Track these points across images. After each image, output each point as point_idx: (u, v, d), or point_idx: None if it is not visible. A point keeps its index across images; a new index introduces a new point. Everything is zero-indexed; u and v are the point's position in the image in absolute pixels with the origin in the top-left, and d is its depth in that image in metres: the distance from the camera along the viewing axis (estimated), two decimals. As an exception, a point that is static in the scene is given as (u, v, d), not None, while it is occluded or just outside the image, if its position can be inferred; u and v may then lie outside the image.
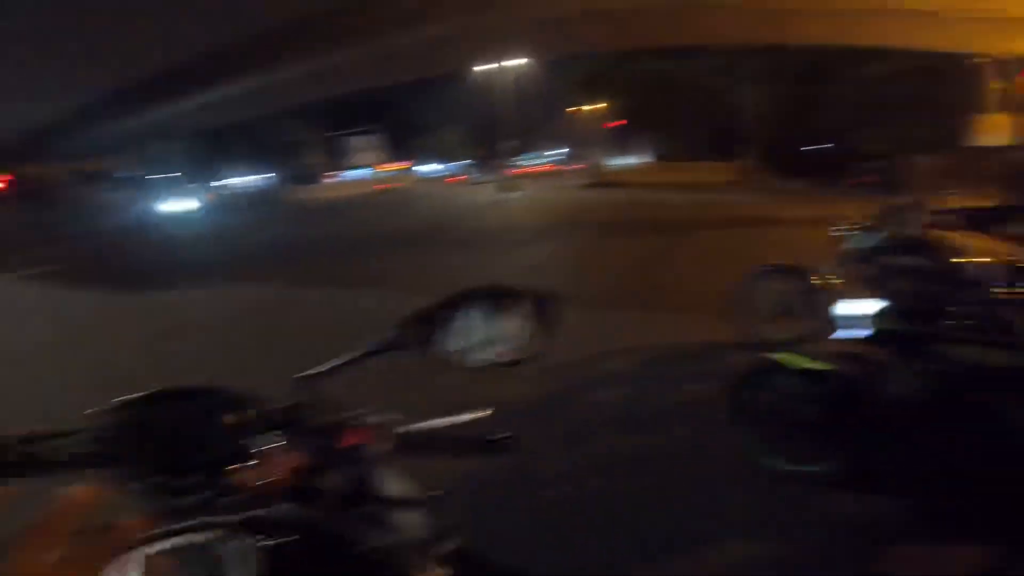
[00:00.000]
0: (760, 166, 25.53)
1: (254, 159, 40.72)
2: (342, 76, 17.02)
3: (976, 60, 14.73)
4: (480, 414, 0.81)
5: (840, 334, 2.11)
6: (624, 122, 36.59)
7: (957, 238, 3.05)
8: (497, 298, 0.84)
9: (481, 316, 0.83)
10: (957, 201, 10.38)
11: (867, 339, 1.98)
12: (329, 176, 42.15)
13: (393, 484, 0.71)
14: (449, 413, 0.80)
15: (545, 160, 66.09)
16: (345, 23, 13.52)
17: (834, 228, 3.69)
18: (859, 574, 1.86)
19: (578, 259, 8.41)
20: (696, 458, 2.65)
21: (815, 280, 3.73)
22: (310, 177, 36.89)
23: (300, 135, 40.90)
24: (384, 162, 48.77)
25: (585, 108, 45.56)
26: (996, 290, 1.64)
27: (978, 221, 3.21)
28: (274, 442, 0.64)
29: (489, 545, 0.73)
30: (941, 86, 19.08)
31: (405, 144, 50.74)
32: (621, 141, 37.11)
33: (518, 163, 32.44)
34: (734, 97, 28.37)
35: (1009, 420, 1.56)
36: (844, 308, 2.13)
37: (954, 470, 1.69)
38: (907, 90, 21.27)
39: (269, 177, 41.27)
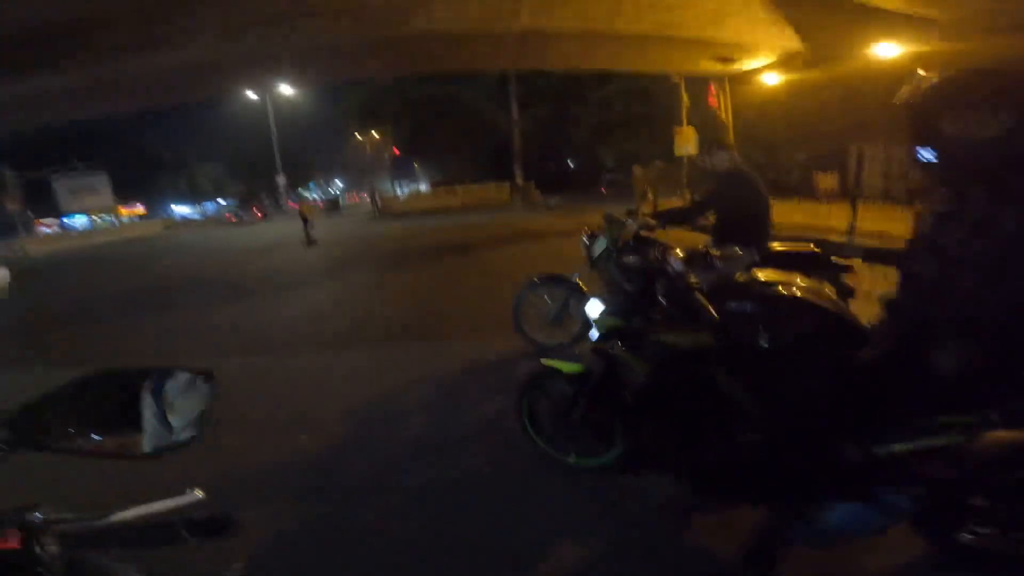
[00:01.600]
0: (529, 183, 28.18)
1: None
2: (52, 104, 13.71)
3: (675, 79, 17.56)
4: (190, 498, 0.78)
5: (591, 335, 2.35)
6: (397, 152, 36.93)
7: (661, 235, 3.76)
8: (164, 378, 0.80)
9: (153, 401, 0.78)
10: (665, 203, 12.86)
11: (599, 337, 2.26)
12: (46, 225, 33.22)
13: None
14: (148, 501, 0.75)
15: (320, 194, 63.23)
16: (61, 45, 11.01)
17: (583, 236, 4.20)
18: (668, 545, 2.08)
19: (362, 296, 8.10)
20: (502, 471, 2.71)
21: (577, 285, 4.19)
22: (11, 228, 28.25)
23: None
24: (113, 206, 40.03)
25: (362, 137, 44.82)
26: (691, 279, 1.99)
27: (674, 219, 4.00)
28: None
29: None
30: (654, 103, 23.26)
31: (138, 184, 42.50)
32: (400, 169, 37.41)
33: (289, 198, 30.18)
34: (504, 120, 30.80)
35: (719, 387, 1.88)
36: (588, 311, 2.39)
37: (694, 438, 1.99)
38: (631, 108, 25.74)
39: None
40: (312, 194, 60.29)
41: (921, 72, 1.62)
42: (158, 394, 0.79)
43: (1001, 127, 1.45)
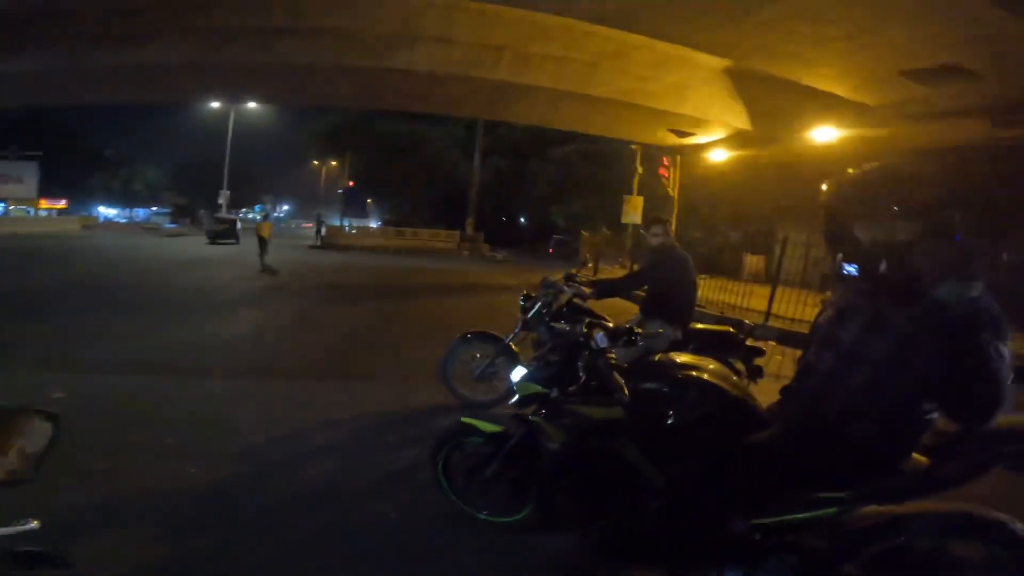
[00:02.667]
0: (479, 235, 28.48)
1: None
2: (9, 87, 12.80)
3: (633, 147, 18.19)
4: (25, 527, 0.75)
5: (513, 399, 2.38)
6: (351, 184, 36.62)
7: (591, 306, 3.91)
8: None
9: None
10: (606, 271, 13.34)
11: (518, 402, 2.29)
12: None
13: None
14: None
15: (264, 215, 61.16)
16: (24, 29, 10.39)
17: (520, 297, 4.28)
18: None
19: (290, 327, 7.78)
20: (412, 520, 2.64)
21: (508, 345, 4.20)
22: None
23: None
24: (34, 198, 36.89)
25: (317, 164, 44.07)
26: (611, 355, 2.07)
27: (609, 290, 4.16)
28: None
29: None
30: (610, 169, 23.87)
31: (71, 179, 39.54)
32: (352, 202, 37.04)
33: (230, 215, 29.02)
34: (464, 168, 31.21)
35: (624, 460, 1.96)
36: (512, 376, 2.42)
37: (603, 503, 2.03)
38: (588, 171, 26.46)
39: None
40: (258, 216, 58.40)
41: (842, 175, 1.71)
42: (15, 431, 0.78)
43: (909, 231, 1.52)
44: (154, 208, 46.52)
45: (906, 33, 7.78)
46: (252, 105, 29.66)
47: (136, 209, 46.59)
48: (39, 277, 11.41)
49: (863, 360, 1.62)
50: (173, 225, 38.12)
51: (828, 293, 1.94)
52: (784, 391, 1.92)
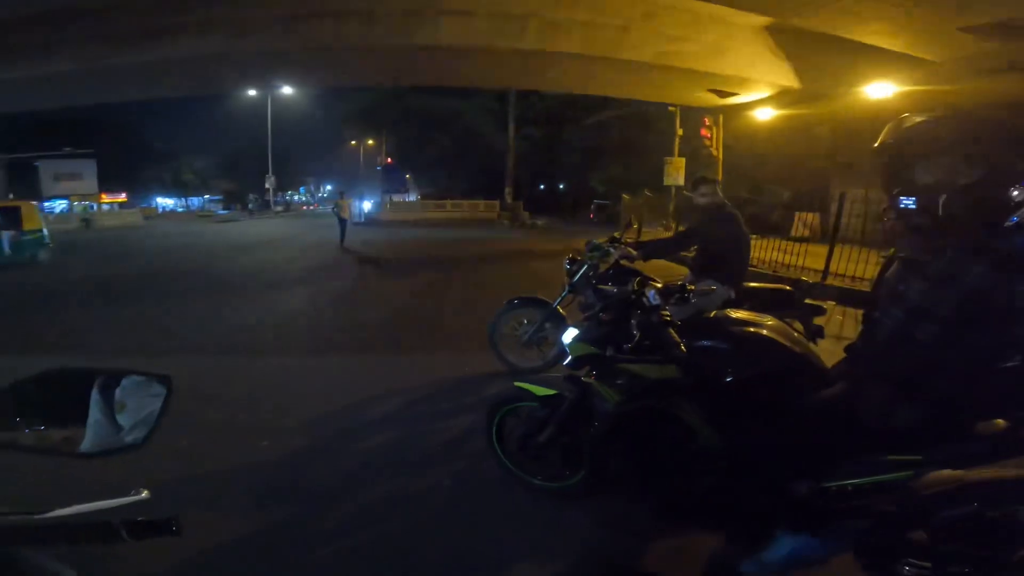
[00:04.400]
0: (518, 203, 28.37)
1: None
2: (51, 88, 13.54)
3: (671, 109, 17.81)
4: (136, 498, 0.77)
5: (566, 360, 2.37)
6: (389, 161, 36.98)
7: (646, 266, 3.83)
8: (115, 379, 0.80)
9: (101, 400, 0.78)
10: (650, 233, 13.02)
11: (571, 364, 2.28)
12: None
13: (38, 572, 0.69)
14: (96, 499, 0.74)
15: (311, 196, 62.95)
16: (61, 30, 10.95)
17: (566, 261, 4.24)
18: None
19: (342, 302, 8.03)
20: (464, 488, 2.71)
21: (556, 309, 4.20)
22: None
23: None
24: (95, 193, 39.16)
25: (355, 144, 44.80)
26: (665, 312, 2.02)
27: (656, 250, 4.07)
28: None
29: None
30: (648, 132, 23.32)
31: (127, 173, 41.67)
32: (391, 178, 37.43)
33: (279, 199, 29.99)
34: (499, 138, 31.02)
35: (680, 420, 1.94)
36: (564, 337, 2.41)
37: (658, 466, 2.02)
38: (625, 135, 25.92)
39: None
40: (302, 197, 60.03)
41: (907, 116, 1.63)
42: (109, 395, 0.78)
43: (973, 176, 1.46)
44: (206, 196, 48.55)
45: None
46: (287, 90, 30.19)
47: (190, 198, 48.73)
48: (117, 266, 12.22)
49: (932, 316, 1.52)
50: (225, 211, 39.93)
51: (892, 249, 1.81)
52: (849, 349, 1.84)
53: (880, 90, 11.24)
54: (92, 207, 37.34)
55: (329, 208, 22.39)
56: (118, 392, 0.80)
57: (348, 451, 3.16)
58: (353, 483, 2.78)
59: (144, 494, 0.78)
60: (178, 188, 47.63)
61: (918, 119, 1.61)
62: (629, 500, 2.34)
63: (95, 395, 0.78)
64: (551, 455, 2.48)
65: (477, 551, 2.23)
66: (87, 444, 0.76)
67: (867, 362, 1.72)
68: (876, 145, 1.64)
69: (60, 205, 37.01)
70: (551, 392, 2.45)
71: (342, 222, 14.88)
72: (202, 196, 48.90)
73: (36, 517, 0.70)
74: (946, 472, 1.59)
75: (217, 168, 48.48)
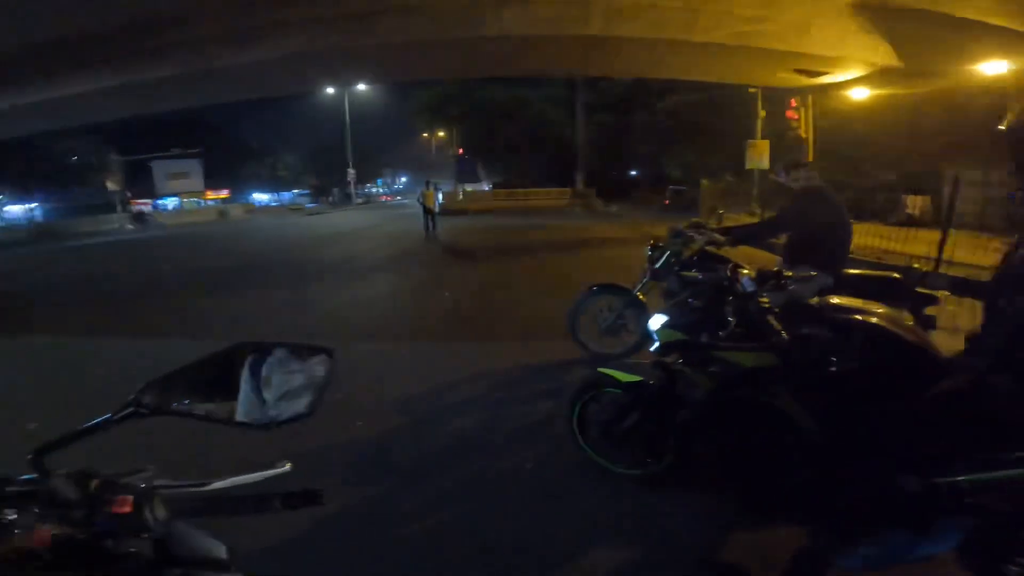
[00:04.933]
0: (590, 190, 28.00)
1: (29, 183, 33.75)
2: (151, 93, 15.07)
3: (751, 91, 17.03)
4: (280, 470, 0.82)
5: (653, 347, 2.35)
6: (461, 152, 37.67)
7: (730, 252, 3.67)
8: (266, 354, 0.82)
9: (251, 374, 0.81)
10: (731, 219, 12.44)
11: (659, 350, 2.25)
12: (141, 204, 35.89)
13: (195, 544, 0.71)
14: (244, 471, 0.79)
15: (387, 188, 65.49)
16: (159, 37, 12.18)
17: (647, 247, 4.16)
18: (705, 560, 2.07)
19: (423, 290, 8.32)
20: (545, 473, 2.75)
21: (636, 296, 4.15)
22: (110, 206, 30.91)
23: (93, 157, 34.63)
24: (202, 190, 43.12)
25: (427, 136, 46.16)
26: (760, 298, 1.95)
27: (743, 236, 3.88)
28: (19, 516, 0.63)
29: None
30: (724, 115, 22.15)
31: (227, 170, 45.53)
32: (464, 169, 38.06)
33: (360, 192, 31.52)
34: (568, 125, 30.80)
35: (777, 410, 1.86)
36: (651, 323, 2.38)
37: (750, 456, 1.96)
38: (699, 119, 24.82)
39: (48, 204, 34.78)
40: (379, 189, 62.65)
41: None
42: (274, 368, 0.82)
43: None
44: (296, 191, 51.97)
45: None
46: (363, 87, 31.71)
47: (282, 192, 52.32)
48: (225, 256, 13.47)
49: None
50: (313, 204, 42.77)
51: (1017, 235, 1.67)
52: (971, 340, 1.74)
53: (994, 67, 10.15)
54: (200, 203, 41.14)
55: (413, 199, 23.00)
56: (282, 365, 0.82)
57: (435, 433, 3.30)
58: (438, 463, 2.91)
59: (287, 466, 0.82)
60: (272, 183, 51.29)
61: None
62: (715, 490, 2.29)
63: (264, 368, 0.81)
64: (634, 442, 2.47)
65: (554, 534, 2.26)
66: (257, 414, 0.80)
67: (992, 353, 1.61)
68: (1002, 127, 1.54)
69: (172, 202, 40.96)
70: (635, 379, 2.43)
71: (427, 212, 14.84)
72: (292, 191, 52.35)
73: (198, 490, 0.75)
74: None
75: (304, 163, 51.70)
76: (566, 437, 2.72)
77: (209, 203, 42.00)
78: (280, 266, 11.30)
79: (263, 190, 51.70)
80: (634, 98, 28.61)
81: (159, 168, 40.43)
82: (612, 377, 2.52)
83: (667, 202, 25.06)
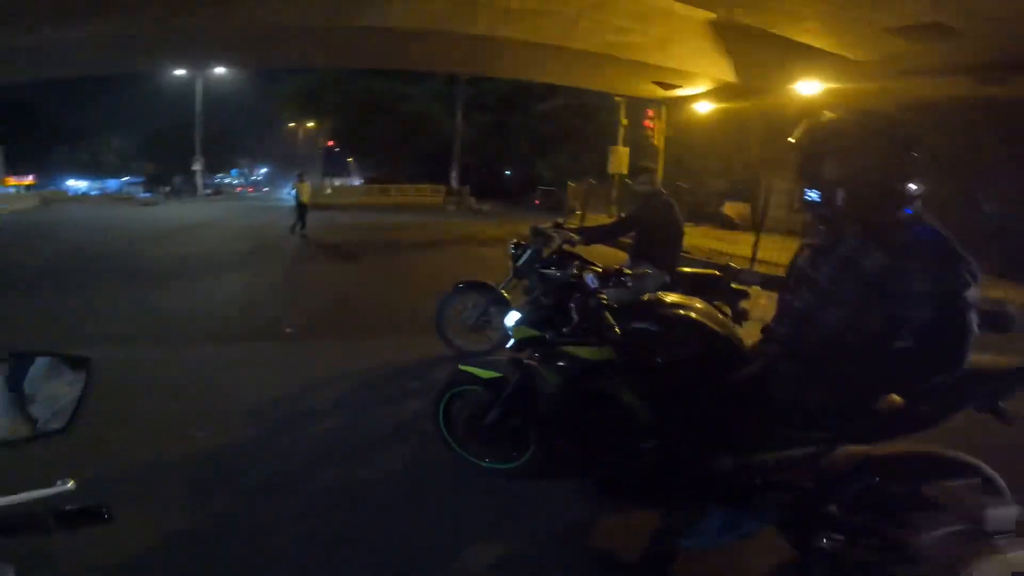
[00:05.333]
0: (464, 188, 28.14)
1: None
2: None
3: (617, 99, 18.28)
4: (61, 488, 0.75)
5: (509, 343, 2.44)
6: (331, 144, 35.72)
7: (583, 251, 3.95)
8: (27, 363, 0.77)
9: (8, 387, 0.75)
10: (593, 220, 13.32)
11: (514, 346, 2.35)
12: None
13: None
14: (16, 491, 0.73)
15: (244, 179, 59.71)
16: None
17: (510, 246, 4.30)
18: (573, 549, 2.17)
19: (281, 288, 7.77)
20: (414, 473, 2.73)
21: (501, 294, 4.27)
22: None
23: None
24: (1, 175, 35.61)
25: (293, 126, 42.92)
26: (602, 296, 2.12)
27: (597, 236, 4.21)
28: None
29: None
30: (594, 122, 23.73)
31: (37, 155, 38.16)
32: (333, 162, 36.13)
33: (209, 182, 28.23)
34: (446, 123, 30.59)
35: (617, 400, 2.02)
36: (507, 320, 2.47)
37: (599, 445, 2.11)
38: (571, 124, 26.20)
39: None
40: (235, 180, 56.78)
41: (818, 115, 1.77)
42: (19, 381, 0.75)
43: (870, 171, 1.60)
44: (126, 178, 45.01)
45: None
46: (221, 69, 28.52)
47: (108, 180, 45.01)
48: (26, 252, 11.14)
49: (837, 299, 1.67)
50: (147, 194, 37.03)
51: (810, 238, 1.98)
52: (764, 330, 1.98)
53: (809, 87, 11.93)
54: None
55: (276, 191, 20.93)
56: (32, 376, 0.75)
57: (291, 440, 3.08)
58: (297, 472, 2.73)
59: (70, 484, 0.75)
60: (96, 170, 43.89)
61: (825, 118, 1.75)
62: (575, 479, 2.42)
63: (5, 379, 0.74)
64: (499, 437, 2.53)
65: (430, 535, 2.24)
66: (19, 430, 0.73)
67: (779, 342, 1.86)
68: (790, 140, 1.78)
69: None
70: (495, 375, 2.50)
71: (301, 207, 13.61)
72: (120, 179, 45.29)
73: None
74: (852, 448, 1.72)
75: (139, 149, 45.01)
76: (435, 436, 2.71)
77: (9, 190, 34.75)
78: (111, 261, 9.70)
79: (83, 176, 44.08)
80: (514, 100, 29.33)
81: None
82: (473, 374, 2.56)
83: (537, 202, 26.11)
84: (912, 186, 1.62)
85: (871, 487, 1.70)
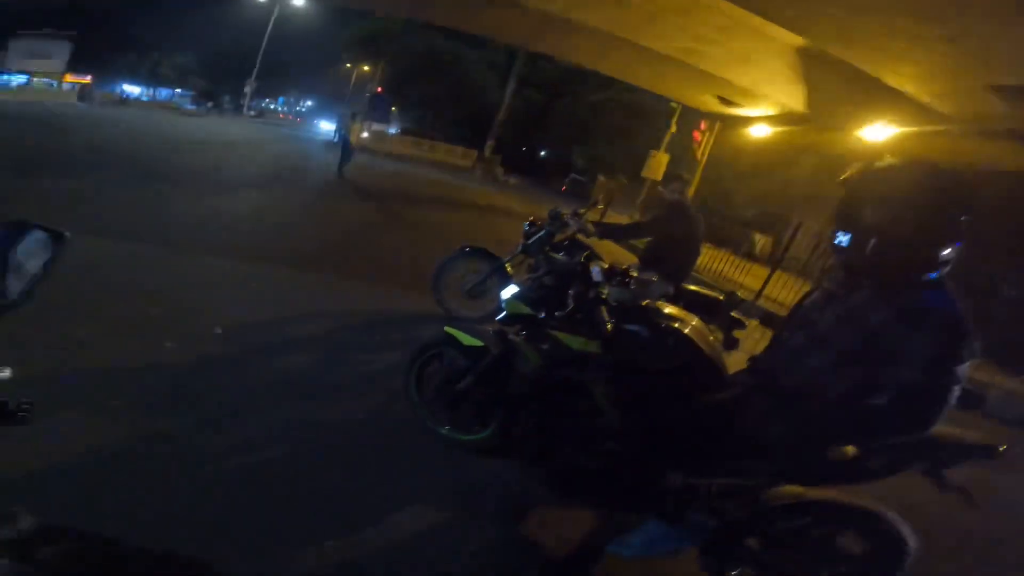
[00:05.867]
0: (495, 157, 27.94)
1: None
2: None
3: (673, 105, 17.70)
4: None
5: (500, 315, 2.39)
6: (380, 90, 35.75)
7: (595, 244, 3.89)
8: (22, 233, 0.72)
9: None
10: (613, 217, 13.13)
11: (504, 320, 2.31)
12: None
13: None
14: None
15: (288, 108, 59.74)
16: None
17: (526, 223, 4.24)
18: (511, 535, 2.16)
19: (294, 215, 7.73)
20: (372, 426, 2.66)
21: (504, 266, 4.21)
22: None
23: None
24: (60, 72, 37.13)
25: (349, 67, 42.93)
26: (603, 291, 2.07)
27: (611, 233, 4.14)
28: None
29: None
30: (641, 121, 23.39)
31: (103, 58, 39.36)
32: (377, 107, 36.06)
33: (254, 104, 28.28)
34: (496, 91, 30.41)
35: (589, 395, 1.99)
36: (503, 293, 2.42)
37: (561, 435, 2.08)
38: (616, 118, 25.82)
39: None
40: (279, 107, 56.89)
41: (877, 159, 1.68)
42: (5, 249, 0.70)
43: (908, 227, 1.51)
44: (178, 90, 45.54)
45: (1011, 46, 7.04)
46: (298, 1, 29.68)
47: (160, 89, 45.51)
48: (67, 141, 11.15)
49: (829, 345, 1.65)
50: (192, 106, 37.96)
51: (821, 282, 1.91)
52: (752, 360, 1.96)
53: (877, 132, 11.18)
54: (52, 84, 35.18)
55: (313, 124, 20.75)
56: (25, 247, 0.71)
57: (260, 367, 2.99)
58: (254, 404, 2.61)
59: (6, 372, 0.70)
60: (153, 79, 44.68)
61: (881, 163, 1.65)
62: (527, 464, 2.34)
63: (19, 250, 0.70)
64: (464, 407, 2.49)
65: (365, 491, 2.17)
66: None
67: (761, 375, 1.84)
68: (841, 178, 1.69)
69: (17, 80, 34.37)
70: (478, 343, 2.44)
71: (346, 146, 12.81)
72: (172, 89, 45.75)
73: None
74: (791, 487, 1.74)
75: (199, 65, 45.50)
76: (401, 392, 2.66)
77: (65, 86, 36.01)
78: (138, 161, 9.69)
79: (138, 84, 44.74)
80: (566, 84, 29.03)
81: (18, 45, 34.52)
82: (456, 338, 2.50)
83: (564, 188, 25.87)
84: (946, 251, 1.53)
85: (798, 528, 1.76)
